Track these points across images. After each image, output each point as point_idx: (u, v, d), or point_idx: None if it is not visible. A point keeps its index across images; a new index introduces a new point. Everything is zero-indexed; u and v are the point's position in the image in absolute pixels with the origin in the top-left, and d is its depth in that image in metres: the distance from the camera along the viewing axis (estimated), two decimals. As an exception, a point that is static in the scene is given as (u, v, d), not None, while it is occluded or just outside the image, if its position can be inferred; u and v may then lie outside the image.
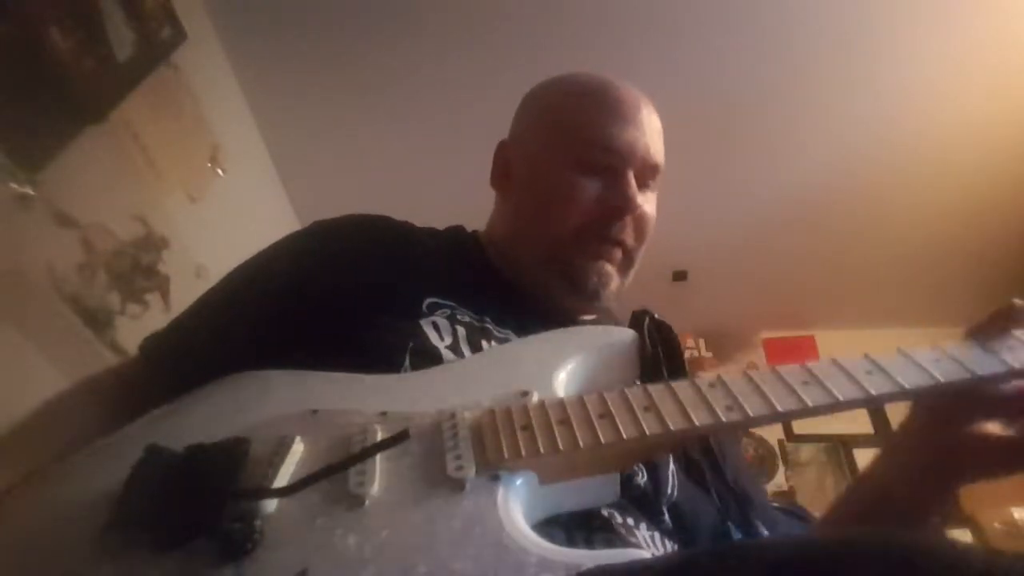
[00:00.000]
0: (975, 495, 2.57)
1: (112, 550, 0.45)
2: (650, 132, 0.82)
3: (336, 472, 0.47)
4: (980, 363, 0.55)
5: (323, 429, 0.53)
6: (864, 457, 2.98)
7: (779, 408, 0.52)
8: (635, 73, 2.31)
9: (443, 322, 0.69)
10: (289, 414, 0.55)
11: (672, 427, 0.50)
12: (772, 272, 3.09)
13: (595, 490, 0.52)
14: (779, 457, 3.00)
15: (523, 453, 0.49)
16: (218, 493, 0.46)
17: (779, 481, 2.89)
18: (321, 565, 0.42)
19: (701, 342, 3.41)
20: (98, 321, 1.49)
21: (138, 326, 1.54)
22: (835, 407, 0.53)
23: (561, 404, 0.53)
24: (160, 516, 0.45)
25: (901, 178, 2.62)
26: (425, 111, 2.38)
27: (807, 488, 2.91)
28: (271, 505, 0.46)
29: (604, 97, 0.84)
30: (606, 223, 0.77)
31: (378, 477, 0.48)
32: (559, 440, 0.49)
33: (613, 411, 0.51)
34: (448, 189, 2.61)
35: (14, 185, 1.31)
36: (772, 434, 3.07)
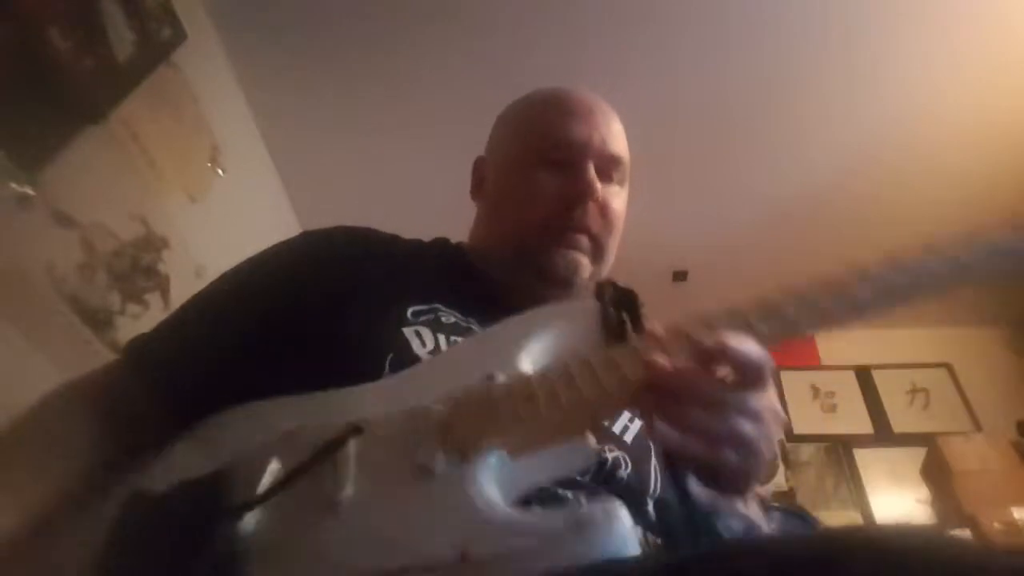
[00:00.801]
0: (975, 495, 2.57)
1: None
2: (605, 127, 0.86)
3: (301, 473, 0.48)
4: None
5: (298, 447, 0.53)
6: (864, 457, 2.98)
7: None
8: (635, 74, 2.32)
9: (425, 330, 0.69)
10: (262, 441, 0.56)
11: (631, 378, 0.51)
12: (772, 272, 3.09)
13: (567, 457, 0.52)
14: (779, 457, 3.00)
15: (487, 431, 0.50)
16: (197, 522, 0.47)
17: (779, 481, 2.89)
18: (306, 570, 0.44)
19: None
20: (98, 321, 1.49)
21: (138, 326, 1.54)
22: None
23: (523, 379, 0.54)
24: (149, 558, 0.46)
25: (901, 178, 2.61)
26: (425, 111, 2.38)
27: (807, 488, 2.91)
28: (250, 524, 0.47)
29: (559, 101, 0.89)
30: (568, 211, 0.80)
31: (351, 479, 0.49)
32: (520, 411, 0.50)
33: (576, 376, 0.52)
34: (448, 190, 2.61)
35: (14, 185, 1.31)
36: (772, 434, 3.07)
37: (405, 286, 0.75)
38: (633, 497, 0.63)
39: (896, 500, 2.84)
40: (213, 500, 0.49)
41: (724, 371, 0.51)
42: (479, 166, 0.97)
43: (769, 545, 0.44)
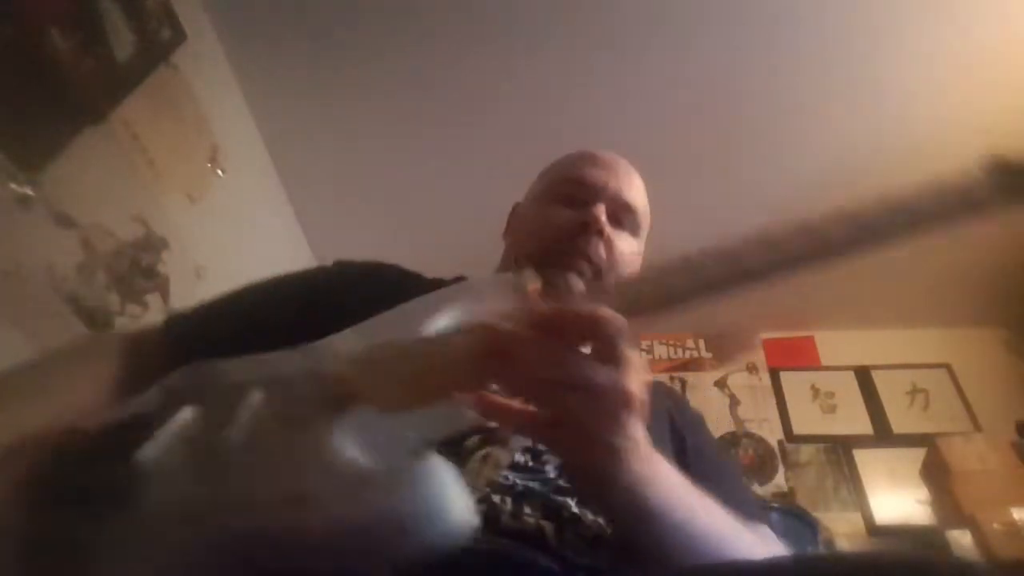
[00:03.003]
0: (975, 495, 2.57)
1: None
2: (625, 178, 0.93)
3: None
4: None
5: (213, 399, 0.56)
6: (864, 457, 2.98)
7: None
8: (636, 75, 2.32)
9: None
10: (186, 386, 0.59)
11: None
12: (772, 272, 3.09)
13: (439, 419, 0.53)
14: (779, 458, 2.99)
15: (361, 386, 0.51)
16: (90, 453, 0.51)
17: (779, 482, 2.89)
18: (190, 504, 0.46)
19: (701, 342, 3.40)
20: (98, 321, 1.49)
21: (137, 326, 1.54)
22: None
23: (414, 339, 0.56)
24: (48, 484, 0.49)
25: (901, 178, 2.60)
26: (426, 112, 2.38)
27: (806, 488, 2.91)
28: (145, 458, 0.50)
29: (587, 153, 0.96)
30: (572, 239, 0.85)
31: (243, 425, 0.52)
32: (394, 368, 0.52)
33: (452, 336, 0.53)
34: (448, 191, 2.61)
35: (14, 185, 1.31)
36: (772, 434, 3.07)
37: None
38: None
39: (896, 500, 2.84)
40: (116, 434, 0.52)
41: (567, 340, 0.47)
42: (513, 212, 1.05)
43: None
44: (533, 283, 0.60)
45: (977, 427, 2.96)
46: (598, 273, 0.84)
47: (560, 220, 0.87)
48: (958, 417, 3.02)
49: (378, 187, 2.62)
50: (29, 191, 1.34)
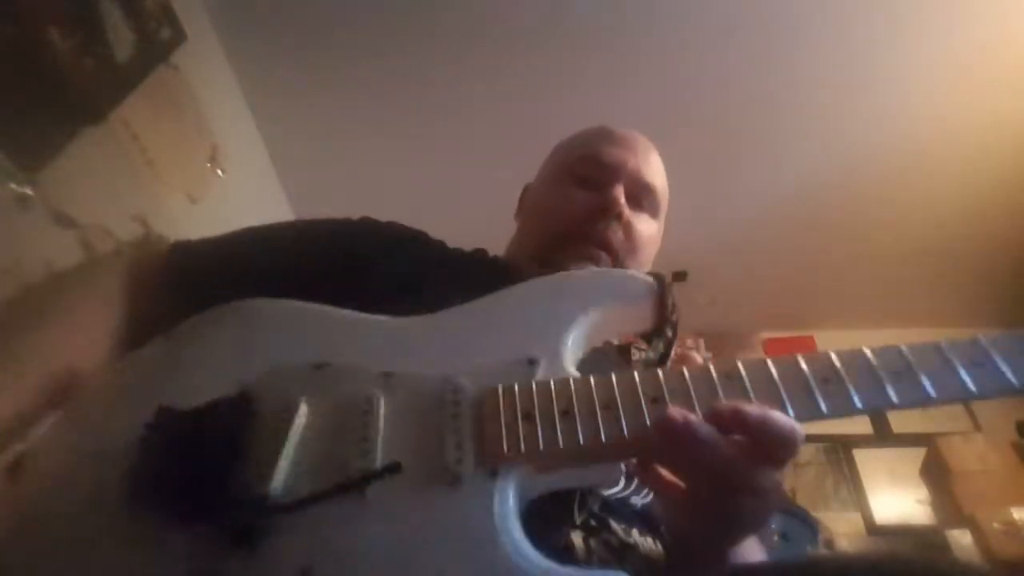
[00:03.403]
0: (975, 495, 2.57)
1: (128, 524, 0.46)
2: (643, 156, 0.87)
3: (332, 496, 0.46)
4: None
5: (327, 391, 0.53)
6: (864, 457, 2.98)
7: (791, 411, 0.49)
8: (635, 74, 2.32)
9: None
10: (293, 366, 0.55)
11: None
12: (772, 272, 3.09)
13: (596, 475, 0.51)
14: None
15: (523, 449, 0.47)
16: (226, 467, 0.47)
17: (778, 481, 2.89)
18: (322, 564, 0.43)
19: (701, 342, 3.40)
20: (98, 321, 1.49)
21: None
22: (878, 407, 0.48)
23: (567, 387, 0.50)
24: (175, 492, 0.46)
25: (901, 178, 2.61)
26: (425, 112, 2.38)
27: (807, 488, 2.91)
28: (279, 489, 0.47)
29: (603, 130, 0.92)
30: (590, 224, 0.80)
31: (384, 455, 0.48)
32: (560, 436, 0.48)
33: (620, 401, 0.49)
34: (448, 190, 2.61)
35: (13, 185, 1.31)
36: (772, 434, 3.07)
37: (447, 290, 0.76)
38: (653, 519, 0.64)
39: (896, 500, 2.84)
40: (240, 435, 0.49)
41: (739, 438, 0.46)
42: (524, 192, 0.99)
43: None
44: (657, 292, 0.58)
45: (977, 427, 2.96)
46: (617, 259, 0.81)
47: (576, 203, 0.82)
48: (958, 417, 3.02)
49: (378, 187, 2.62)
50: (29, 191, 1.34)
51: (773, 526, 2.10)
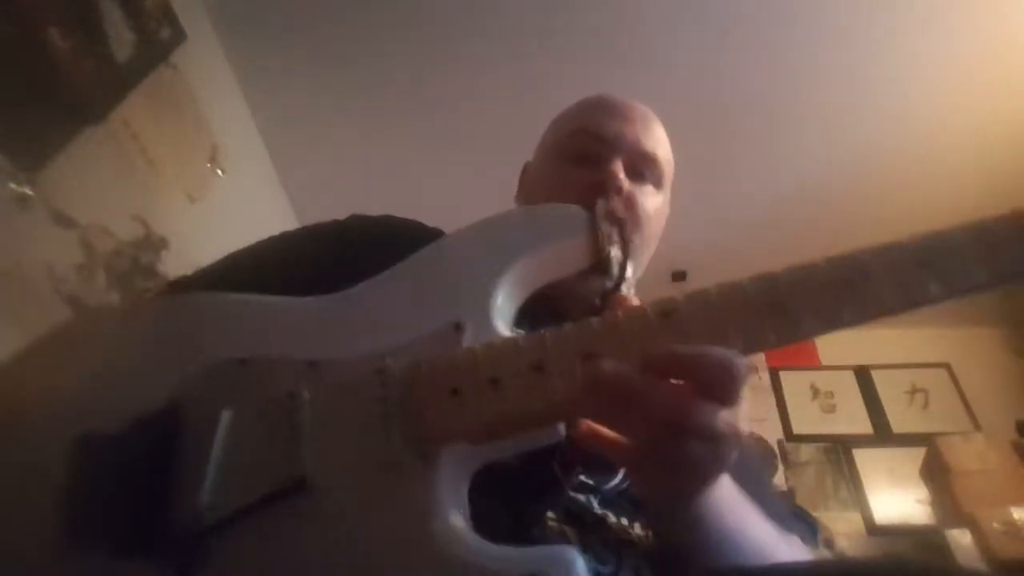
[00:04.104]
0: (975, 495, 2.57)
1: (68, 556, 0.45)
2: (642, 125, 0.83)
3: (246, 513, 0.45)
4: None
5: (251, 390, 0.51)
6: (864, 457, 2.98)
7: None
8: (635, 73, 2.32)
9: None
10: (220, 365, 0.53)
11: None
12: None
13: (535, 439, 0.48)
14: (778, 457, 3.00)
15: (451, 427, 0.45)
16: (157, 493, 0.46)
17: (779, 481, 2.89)
18: (270, 567, 0.43)
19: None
20: (98, 321, 1.49)
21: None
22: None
23: (493, 351, 0.48)
24: (110, 526, 0.45)
25: (901, 177, 2.62)
26: (425, 111, 2.38)
27: (806, 488, 2.91)
28: (211, 505, 0.46)
29: (600, 100, 0.87)
30: (589, 201, 0.77)
31: (310, 459, 0.46)
32: (489, 407, 0.45)
33: (550, 360, 0.45)
34: (447, 189, 2.61)
35: (14, 185, 1.31)
36: (771, 434, 3.07)
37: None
38: (635, 503, 0.62)
39: (895, 500, 2.84)
40: (167, 456, 0.48)
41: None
42: (524, 171, 0.95)
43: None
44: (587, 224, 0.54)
45: (977, 427, 2.96)
46: (621, 235, 0.78)
47: (573, 181, 0.78)
48: (958, 417, 3.02)
49: (378, 185, 2.62)
50: (29, 191, 1.34)
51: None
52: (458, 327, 0.50)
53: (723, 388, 0.43)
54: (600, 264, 0.55)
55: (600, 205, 0.57)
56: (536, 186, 0.86)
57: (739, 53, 2.19)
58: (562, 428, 0.48)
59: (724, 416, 0.43)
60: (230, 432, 0.49)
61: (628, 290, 0.59)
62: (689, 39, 2.15)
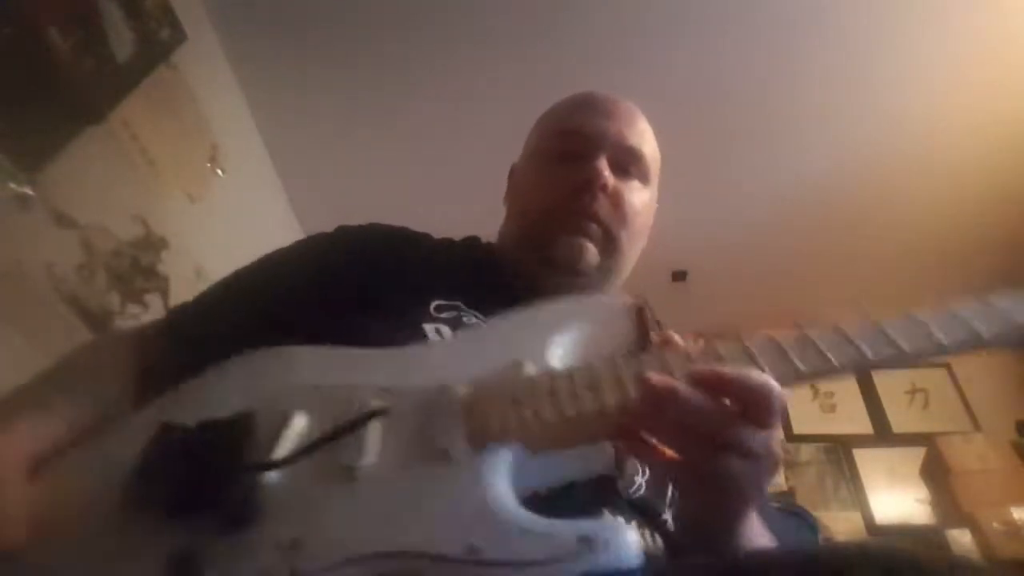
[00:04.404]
0: (975, 495, 2.57)
1: (124, 523, 0.47)
2: (626, 121, 0.84)
3: (325, 443, 0.49)
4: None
5: (324, 404, 0.54)
6: (864, 457, 2.98)
7: (764, 367, 0.51)
8: (634, 72, 2.32)
9: (446, 329, 0.69)
10: (293, 388, 0.57)
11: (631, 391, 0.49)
12: (772, 272, 3.09)
13: (586, 461, 0.52)
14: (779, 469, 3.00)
15: (511, 425, 0.49)
16: (221, 466, 0.48)
17: (779, 481, 2.89)
18: (312, 534, 0.44)
19: (701, 342, 3.40)
20: (97, 321, 1.49)
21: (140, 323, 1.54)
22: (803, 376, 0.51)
23: (550, 375, 0.53)
24: (170, 490, 0.47)
25: (901, 177, 2.62)
26: (424, 111, 2.38)
27: (806, 488, 2.91)
28: (271, 477, 0.48)
29: (584, 98, 0.88)
30: (575, 198, 0.78)
31: (369, 449, 0.49)
32: (545, 412, 0.49)
33: (602, 380, 0.50)
34: (447, 189, 2.61)
35: (14, 185, 1.31)
36: (772, 434, 3.07)
37: (431, 279, 0.75)
38: (650, 507, 0.63)
39: (895, 500, 2.84)
40: (236, 443, 0.50)
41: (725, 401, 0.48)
42: (511, 172, 0.96)
43: (794, 558, 0.45)
44: (628, 301, 0.61)
45: (977, 427, 2.96)
46: (608, 232, 0.79)
47: (559, 181, 0.79)
48: (958, 417, 3.02)
49: (378, 185, 2.62)
50: (29, 191, 1.34)
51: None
52: (518, 364, 0.55)
53: (762, 410, 0.46)
54: (643, 347, 0.61)
55: (647, 303, 0.63)
56: (523, 186, 0.87)
57: (739, 53, 2.19)
58: (611, 459, 0.52)
59: (762, 437, 0.47)
60: (300, 431, 0.52)
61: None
62: (688, 39, 2.15)
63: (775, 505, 0.81)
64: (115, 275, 1.58)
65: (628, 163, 0.82)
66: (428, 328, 0.69)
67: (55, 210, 1.41)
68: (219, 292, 0.79)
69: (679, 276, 3.11)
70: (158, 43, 1.78)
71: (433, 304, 0.72)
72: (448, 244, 0.88)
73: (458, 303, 0.73)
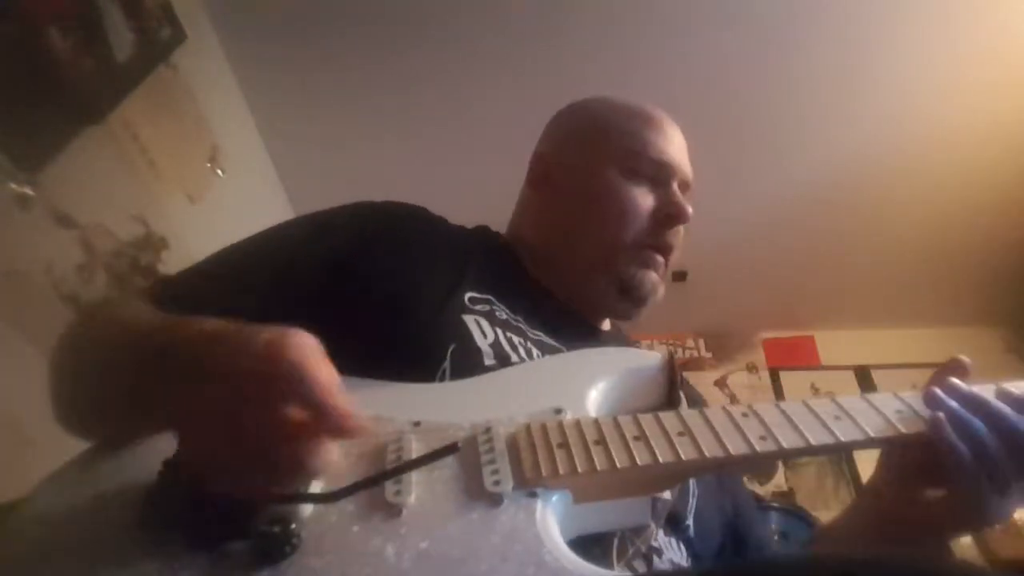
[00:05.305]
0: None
1: (145, 547, 0.43)
2: (682, 148, 0.90)
3: (381, 481, 0.47)
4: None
5: (364, 443, 0.52)
6: (864, 458, 2.98)
7: (812, 442, 0.53)
8: (634, 72, 2.32)
9: (484, 321, 0.69)
10: None
11: (707, 454, 0.50)
12: (772, 272, 3.09)
13: (626, 512, 0.52)
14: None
15: (560, 471, 0.48)
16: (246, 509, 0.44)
17: (779, 481, 2.89)
18: (359, 574, 0.42)
19: (701, 342, 3.40)
20: (98, 321, 1.49)
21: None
22: (865, 444, 0.54)
23: (596, 424, 0.53)
24: (194, 516, 0.44)
25: (901, 177, 2.62)
26: (424, 111, 2.38)
27: (807, 488, 2.91)
28: (308, 510, 0.45)
29: (649, 116, 0.88)
30: (661, 230, 0.81)
31: (415, 488, 0.47)
32: (596, 460, 0.49)
33: (648, 434, 0.52)
34: (447, 189, 2.61)
35: (14, 185, 1.31)
36: (772, 434, 3.07)
37: (462, 271, 0.74)
38: (675, 514, 0.64)
39: (896, 500, 2.83)
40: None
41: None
42: (541, 160, 0.92)
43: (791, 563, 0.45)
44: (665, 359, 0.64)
45: (977, 427, 2.96)
46: (668, 264, 0.83)
47: (643, 208, 0.81)
48: (958, 417, 3.02)
49: (378, 185, 2.61)
50: (29, 191, 1.34)
51: (773, 525, 2.10)
52: (558, 411, 0.56)
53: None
54: (671, 402, 0.63)
55: (677, 358, 0.66)
56: (591, 198, 0.84)
57: (738, 54, 2.19)
58: (649, 511, 0.52)
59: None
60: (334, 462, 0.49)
61: None
62: (688, 41, 2.15)
63: (775, 505, 0.81)
64: (115, 275, 1.57)
65: (685, 191, 0.87)
66: (468, 320, 0.68)
67: (55, 210, 1.41)
68: (213, 270, 0.73)
69: (679, 276, 3.11)
70: (158, 43, 1.78)
71: (467, 296, 0.71)
72: (464, 231, 0.87)
73: (489, 297, 0.73)
